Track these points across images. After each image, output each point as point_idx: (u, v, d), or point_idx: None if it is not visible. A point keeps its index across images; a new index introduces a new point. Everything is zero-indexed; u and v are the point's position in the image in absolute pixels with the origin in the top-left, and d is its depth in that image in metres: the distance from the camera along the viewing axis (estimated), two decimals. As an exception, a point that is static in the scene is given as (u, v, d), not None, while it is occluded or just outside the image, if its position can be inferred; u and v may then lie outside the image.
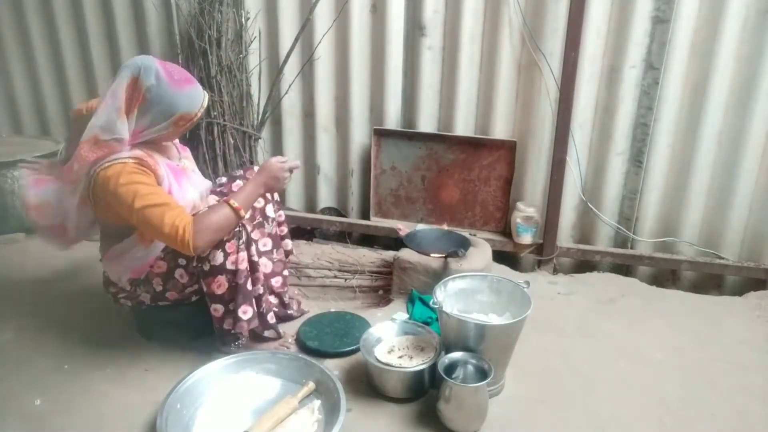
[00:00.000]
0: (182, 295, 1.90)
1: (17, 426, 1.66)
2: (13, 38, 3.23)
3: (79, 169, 1.67)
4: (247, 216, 1.82)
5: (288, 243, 2.27)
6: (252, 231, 1.98)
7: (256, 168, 1.96)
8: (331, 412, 1.63)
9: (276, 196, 2.18)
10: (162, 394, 1.68)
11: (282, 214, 2.23)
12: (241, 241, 1.78)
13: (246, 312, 1.82)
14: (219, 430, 1.62)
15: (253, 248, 1.85)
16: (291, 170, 1.87)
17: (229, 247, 1.75)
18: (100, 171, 1.65)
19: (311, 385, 1.74)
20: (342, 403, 1.61)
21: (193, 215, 1.66)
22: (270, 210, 2.14)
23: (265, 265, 2.05)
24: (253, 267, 1.84)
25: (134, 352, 1.98)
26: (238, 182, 2.08)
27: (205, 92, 1.78)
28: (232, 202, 1.69)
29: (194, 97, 1.73)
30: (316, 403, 1.70)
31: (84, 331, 2.11)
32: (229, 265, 1.76)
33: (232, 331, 1.86)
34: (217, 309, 1.84)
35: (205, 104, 1.76)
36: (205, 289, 1.81)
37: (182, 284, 1.86)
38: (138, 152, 1.70)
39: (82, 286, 2.41)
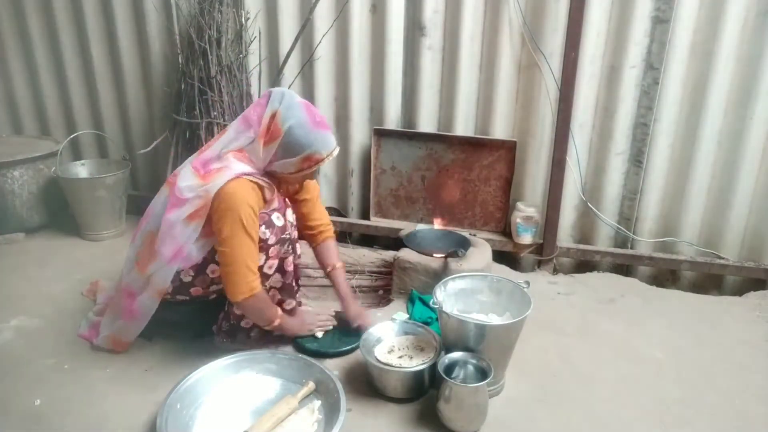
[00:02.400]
0: (205, 292, 1.92)
1: (17, 426, 1.66)
2: (13, 38, 3.23)
3: (220, 171, 1.71)
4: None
5: (297, 247, 2.28)
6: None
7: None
8: (331, 412, 1.63)
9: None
10: (162, 394, 1.68)
11: (294, 217, 2.25)
12: (284, 248, 1.86)
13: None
14: (219, 430, 1.62)
15: (290, 258, 1.92)
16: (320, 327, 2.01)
17: (272, 251, 1.81)
18: (234, 179, 1.70)
19: (311, 385, 1.74)
20: (342, 403, 1.61)
21: (258, 292, 1.75)
22: (290, 214, 2.16)
23: (295, 287, 2.09)
24: (281, 271, 1.90)
25: (134, 352, 1.97)
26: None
27: (338, 146, 1.84)
28: (276, 322, 1.83)
29: (327, 142, 1.79)
30: (316, 403, 1.70)
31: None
32: (266, 269, 1.83)
33: (247, 328, 1.91)
34: None
35: (335, 154, 1.82)
36: None
37: (210, 279, 1.88)
38: (266, 179, 1.79)
39: (81, 286, 2.41)
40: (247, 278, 1.72)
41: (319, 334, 2.00)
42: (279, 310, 1.86)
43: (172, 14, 2.90)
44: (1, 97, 3.36)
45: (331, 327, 2.03)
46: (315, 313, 2.06)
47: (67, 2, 3.08)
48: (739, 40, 2.35)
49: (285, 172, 1.81)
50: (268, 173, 1.83)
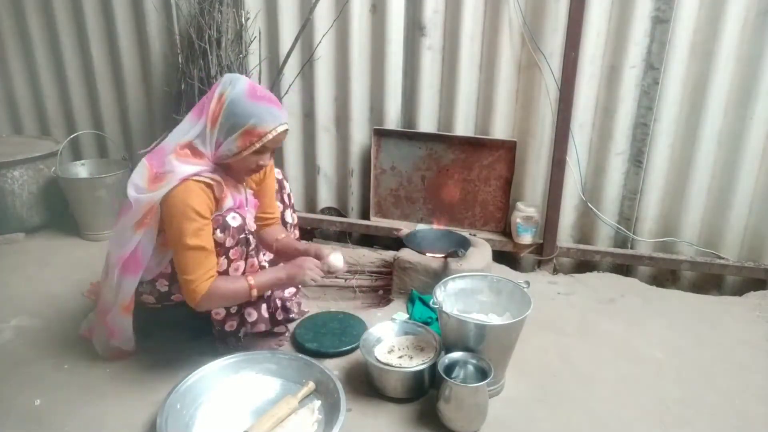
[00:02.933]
0: (160, 303, 1.89)
1: (17, 426, 1.66)
2: (13, 38, 3.23)
3: (165, 176, 1.65)
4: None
5: (263, 254, 2.27)
6: None
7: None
8: (331, 412, 1.63)
9: (292, 199, 2.24)
10: (162, 394, 1.68)
11: (295, 218, 2.26)
12: (250, 249, 1.79)
13: (251, 314, 1.86)
14: (219, 430, 1.62)
15: (261, 255, 1.85)
16: (330, 271, 1.86)
17: (233, 253, 1.75)
18: (179, 184, 1.64)
19: (311, 385, 1.74)
20: (342, 403, 1.61)
21: (211, 283, 1.67)
22: (289, 216, 2.17)
23: None
24: (253, 271, 1.83)
25: (134, 352, 1.97)
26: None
27: (286, 123, 1.72)
28: (250, 279, 1.73)
29: (270, 114, 1.68)
30: (316, 403, 1.70)
31: (84, 331, 2.10)
32: (232, 272, 1.77)
33: (232, 331, 1.87)
34: (218, 312, 1.85)
35: (280, 129, 1.69)
36: None
37: (159, 293, 1.85)
38: (215, 176, 1.70)
39: (81, 286, 2.41)
40: (193, 283, 1.65)
41: (317, 277, 1.81)
42: (245, 278, 1.74)
43: (172, 14, 2.90)
44: (1, 97, 3.36)
45: (339, 267, 1.88)
46: (312, 261, 1.82)
47: (67, 2, 3.08)
48: (739, 40, 2.35)
49: (231, 155, 1.70)
50: (222, 166, 1.75)
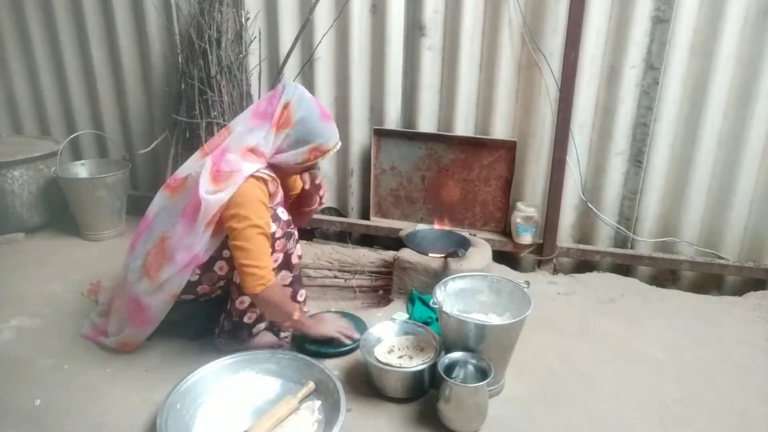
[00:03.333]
0: (211, 289, 1.93)
1: (17, 426, 1.66)
2: (13, 38, 3.23)
3: (231, 176, 1.72)
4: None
5: (298, 248, 2.28)
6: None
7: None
8: (331, 412, 1.63)
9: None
10: (162, 394, 1.68)
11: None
12: (290, 242, 1.89)
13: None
14: (219, 430, 1.62)
15: (296, 249, 1.94)
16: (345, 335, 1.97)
17: (278, 245, 1.82)
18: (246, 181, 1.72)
19: (311, 385, 1.74)
20: (342, 403, 1.61)
21: (274, 283, 1.77)
22: (281, 213, 2.17)
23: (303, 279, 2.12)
24: (289, 266, 1.93)
25: (134, 352, 1.97)
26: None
27: (339, 141, 1.91)
28: (300, 316, 1.85)
29: (332, 133, 1.87)
30: (316, 403, 1.70)
31: (84, 331, 2.10)
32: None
33: (249, 323, 1.91)
34: (243, 301, 1.88)
35: (338, 147, 1.90)
36: (237, 280, 1.84)
37: (218, 277, 1.89)
38: (270, 172, 1.82)
39: (81, 286, 2.41)
40: (263, 270, 1.73)
41: (347, 341, 1.96)
42: (299, 307, 1.89)
43: (172, 14, 2.90)
44: (1, 97, 3.36)
45: (355, 340, 1.95)
46: (337, 317, 2.05)
47: (67, 2, 3.08)
48: (739, 39, 2.35)
49: (291, 163, 1.85)
50: (271, 166, 1.85)
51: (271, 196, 1.84)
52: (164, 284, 1.84)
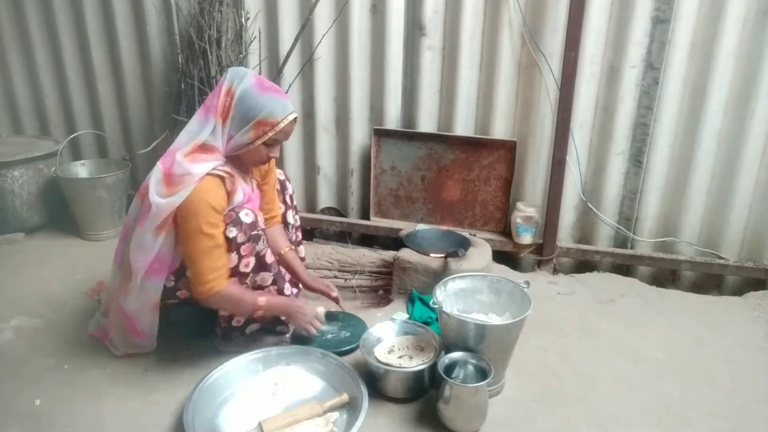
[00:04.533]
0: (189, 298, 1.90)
1: (17, 426, 1.66)
2: (13, 38, 3.23)
3: (182, 179, 1.68)
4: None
5: (301, 249, 2.28)
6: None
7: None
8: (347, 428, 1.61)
9: (294, 200, 2.25)
10: (162, 394, 1.68)
11: (298, 219, 2.26)
12: (260, 244, 1.81)
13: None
14: (245, 416, 1.65)
15: (268, 252, 1.87)
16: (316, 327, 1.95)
17: (245, 250, 1.77)
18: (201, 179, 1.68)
19: (345, 397, 1.70)
20: (359, 421, 1.58)
21: (227, 284, 1.74)
22: (290, 217, 2.17)
23: (284, 273, 2.07)
24: (264, 267, 1.85)
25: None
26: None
27: (295, 111, 1.78)
28: (261, 300, 1.80)
29: (277, 104, 1.74)
30: (334, 415, 1.67)
31: (84, 331, 2.10)
32: (242, 268, 1.79)
33: (239, 327, 1.90)
34: None
35: (290, 118, 1.75)
36: None
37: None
38: (227, 169, 1.75)
39: (81, 286, 2.41)
40: (206, 277, 1.69)
41: (312, 330, 1.94)
42: (258, 294, 1.82)
43: (172, 14, 2.90)
44: (1, 97, 3.36)
45: (314, 332, 1.95)
46: (316, 312, 1.98)
47: (67, 2, 3.08)
48: (739, 39, 2.35)
49: (242, 146, 1.75)
50: (232, 159, 1.79)
51: (229, 194, 1.76)
52: (139, 293, 1.82)
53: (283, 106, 1.75)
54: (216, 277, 1.71)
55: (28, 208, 2.95)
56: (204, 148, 1.74)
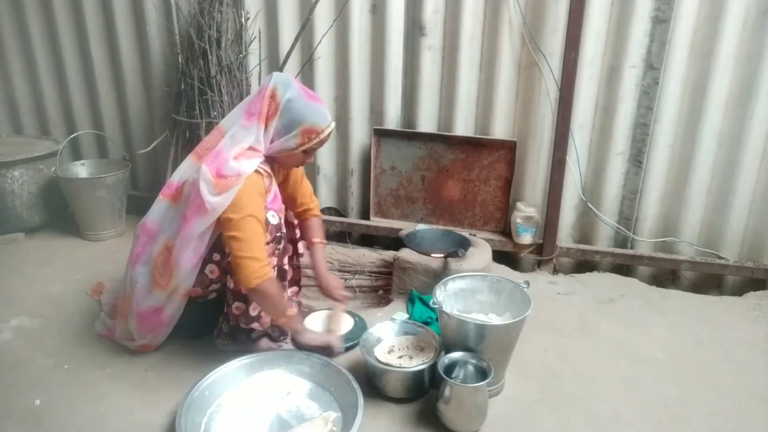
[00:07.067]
0: (204, 292, 1.92)
1: (17, 426, 1.66)
2: (13, 38, 3.23)
3: (235, 179, 1.72)
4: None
5: (300, 246, 2.28)
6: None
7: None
8: (345, 428, 1.60)
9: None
10: (162, 394, 1.68)
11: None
12: (279, 246, 1.85)
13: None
14: (240, 427, 1.64)
15: (286, 258, 1.91)
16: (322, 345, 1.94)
17: (267, 249, 1.79)
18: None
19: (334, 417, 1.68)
20: (357, 419, 1.57)
21: (271, 277, 1.77)
22: (291, 216, 2.17)
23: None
24: (282, 275, 1.89)
25: (134, 352, 1.97)
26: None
27: (333, 122, 1.87)
28: (290, 311, 1.85)
29: (322, 114, 1.83)
30: (332, 414, 1.66)
31: (84, 331, 2.11)
32: None
33: (247, 328, 1.90)
34: (239, 307, 1.87)
35: (332, 127, 1.85)
36: (231, 285, 1.84)
37: (209, 280, 1.89)
38: (267, 168, 1.82)
39: (81, 286, 2.41)
40: (259, 263, 1.71)
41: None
42: (289, 305, 1.88)
43: (172, 14, 2.90)
44: (1, 97, 3.36)
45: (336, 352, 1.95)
46: (322, 335, 2.01)
47: (67, 2, 3.08)
48: (739, 39, 2.35)
49: (286, 150, 1.82)
50: (268, 159, 1.84)
51: (266, 192, 1.82)
52: (177, 287, 1.85)
53: (325, 116, 1.84)
54: (267, 264, 1.74)
55: (28, 208, 2.95)
56: (250, 148, 1.79)
